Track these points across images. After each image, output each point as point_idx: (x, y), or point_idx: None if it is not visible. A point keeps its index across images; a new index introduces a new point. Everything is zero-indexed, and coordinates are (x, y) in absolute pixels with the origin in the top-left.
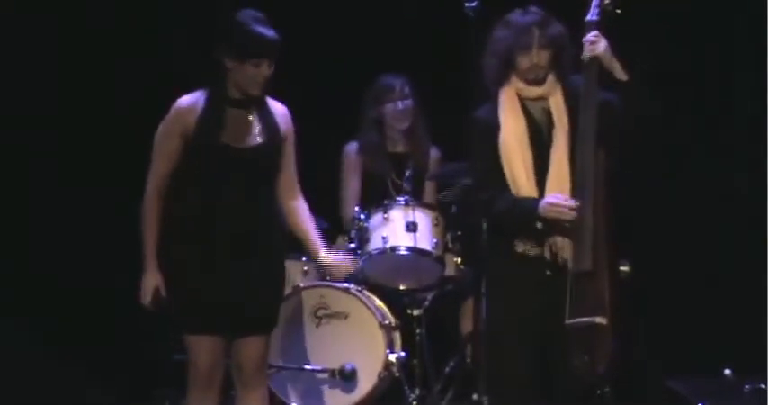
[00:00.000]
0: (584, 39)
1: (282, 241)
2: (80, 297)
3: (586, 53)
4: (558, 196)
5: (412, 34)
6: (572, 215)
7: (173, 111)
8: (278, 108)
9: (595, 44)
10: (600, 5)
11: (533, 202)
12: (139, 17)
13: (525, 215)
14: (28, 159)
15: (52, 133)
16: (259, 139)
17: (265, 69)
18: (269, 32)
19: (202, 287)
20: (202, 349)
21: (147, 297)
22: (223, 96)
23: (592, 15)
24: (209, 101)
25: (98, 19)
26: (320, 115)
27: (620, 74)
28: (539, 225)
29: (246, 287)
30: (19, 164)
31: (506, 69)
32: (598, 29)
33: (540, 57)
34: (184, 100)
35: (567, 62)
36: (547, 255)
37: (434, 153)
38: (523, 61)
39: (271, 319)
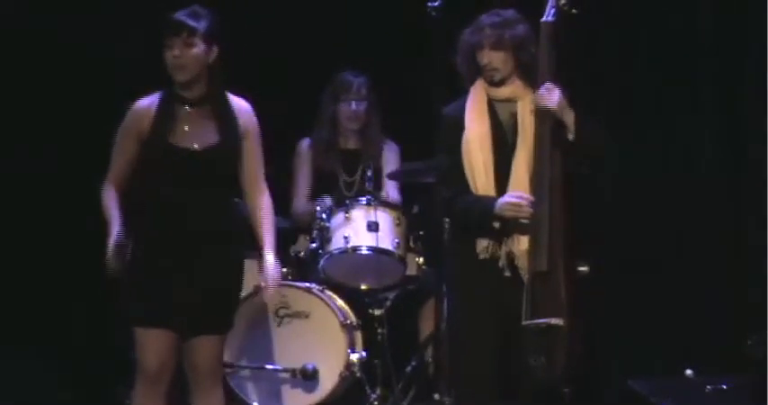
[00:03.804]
0: (538, 89)
1: (241, 241)
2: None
3: (539, 103)
4: (514, 194)
5: (376, 31)
6: (529, 212)
7: (129, 111)
8: (240, 105)
9: (548, 96)
10: (556, 6)
11: (491, 201)
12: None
13: (483, 214)
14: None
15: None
16: (213, 139)
17: (178, 51)
18: (178, 14)
19: (154, 283)
20: (149, 343)
21: (110, 253)
22: (173, 95)
23: (548, 16)
24: (160, 101)
25: None
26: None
27: (571, 131)
28: (496, 225)
29: (200, 287)
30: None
31: (471, 68)
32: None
33: (490, 57)
34: (142, 100)
35: (532, 67)
36: (504, 256)
37: (392, 149)
38: (481, 61)
39: (225, 320)
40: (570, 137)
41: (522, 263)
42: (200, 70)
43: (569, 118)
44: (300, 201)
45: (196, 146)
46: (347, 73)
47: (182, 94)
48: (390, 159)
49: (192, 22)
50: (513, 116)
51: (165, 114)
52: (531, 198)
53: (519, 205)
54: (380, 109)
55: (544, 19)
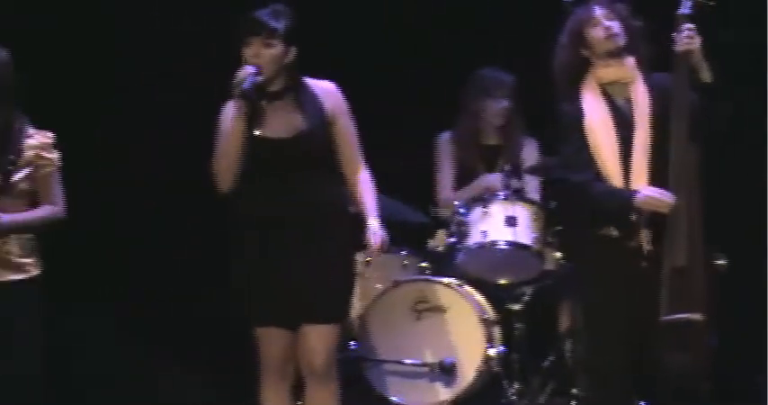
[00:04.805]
0: (677, 32)
1: (348, 228)
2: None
3: (680, 47)
4: (656, 190)
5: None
6: (669, 206)
7: (223, 108)
8: (323, 88)
9: (691, 39)
10: None
11: (631, 193)
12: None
13: (621, 204)
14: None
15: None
16: (301, 126)
17: (257, 50)
18: (259, 13)
19: (266, 279)
20: (271, 341)
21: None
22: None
23: (684, 8)
24: None
25: None
26: (422, 107)
27: (706, 75)
28: (633, 216)
29: (311, 275)
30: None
31: (578, 58)
32: (692, 22)
33: (609, 24)
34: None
35: (640, 42)
36: (641, 247)
37: (531, 146)
38: (598, 33)
39: (335, 309)
40: (705, 77)
41: (659, 255)
42: (278, 69)
43: (703, 63)
44: (445, 189)
45: (285, 135)
46: (494, 70)
47: (267, 89)
48: (530, 156)
49: (272, 23)
50: (628, 100)
51: (250, 109)
52: (671, 196)
53: (660, 200)
54: (522, 107)
55: (680, 11)
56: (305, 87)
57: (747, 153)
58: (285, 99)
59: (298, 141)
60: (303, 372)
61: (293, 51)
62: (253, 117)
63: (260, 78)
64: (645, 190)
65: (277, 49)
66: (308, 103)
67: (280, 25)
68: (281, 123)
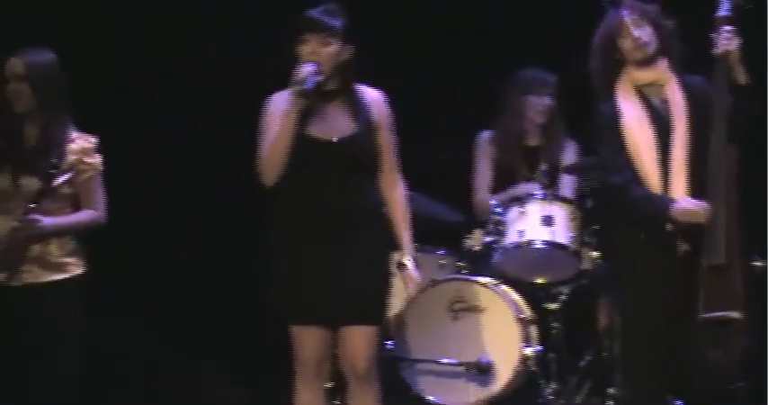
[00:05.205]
0: (716, 33)
1: (386, 231)
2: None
3: (719, 49)
4: (692, 201)
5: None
6: (704, 219)
7: (269, 103)
8: (373, 96)
9: (730, 41)
10: (732, 0)
11: (667, 202)
12: None
13: (657, 213)
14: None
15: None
16: (349, 130)
17: (314, 48)
18: (315, 12)
19: (304, 279)
20: (306, 340)
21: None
22: None
23: (723, 10)
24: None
25: None
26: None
27: (742, 77)
28: (668, 227)
29: (350, 278)
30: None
31: (610, 63)
32: (731, 25)
33: (638, 32)
34: (279, 93)
35: (672, 43)
36: (681, 246)
37: (571, 147)
38: (626, 42)
39: (378, 310)
40: (740, 79)
41: (697, 254)
42: (334, 68)
43: (740, 65)
44: (482, 192)
45: (334, 137)
46: (535, 69)
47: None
48: (569, 157)
49: (329, 21)
50: (664, 100)
51: (305, 107)
52: (707, 207)
53: (696, 212)
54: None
55: (719, 13)
56: (356, 92)
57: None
58: (337, 100)
59: (346, 145)
60: (345, 373)
61: (349, 50)
62: (304, 115)
63: (320, 77)
64: (682, 201)
65: (334, 47)
66: (358, 108)
67: (337, 23)
68: (331, 125)
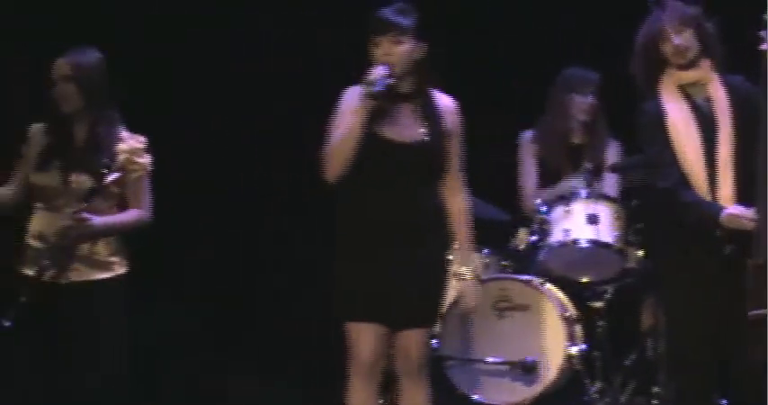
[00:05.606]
0: (763, 32)
1: (447, 236)
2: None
3: (764, 46)
4: (741, 208)
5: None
6: (752, 225)
7: (344, 96)
8: (446, 103)
9: None
10: None
11: (715, 209)
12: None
13: (707, 219)
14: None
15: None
16: (422, 134)
17: (387, 48)
18: (385, 12)
19: (364, 276)
20: (363, 337)
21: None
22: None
23: None
24: None
25: None
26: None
27: None
28: (718, 233)
29: (408, 279)
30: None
31: (653, 65)
32: None
33: (679, 38)
34: (354, 89)
35: (714, 44)
36: (725, 246)
37: (614, 147)
38: (668, 47)
39: (431, 313)
40: None
41: (742, 254)
42: (409, 67)
43: None
44: (529, 193)
45: (406, 139)
46: (578, 68)
47: (397, 89)
48: (612, 156)
49: (400, 20)
50: (707, 98)
51: (376, 108)
52: (755, 213)
53: (744, 219)
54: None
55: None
56: (430, 96)
57: None
58: (411, 103)
59: (418, 150)
60: (399, 371)
61: (423, 47)
62: (376, 115)
63: (391, 80)
64: (730, 208)
65: (407, 45)
66: (432, 113)
67: (408, 22)
68: (404, 128)
